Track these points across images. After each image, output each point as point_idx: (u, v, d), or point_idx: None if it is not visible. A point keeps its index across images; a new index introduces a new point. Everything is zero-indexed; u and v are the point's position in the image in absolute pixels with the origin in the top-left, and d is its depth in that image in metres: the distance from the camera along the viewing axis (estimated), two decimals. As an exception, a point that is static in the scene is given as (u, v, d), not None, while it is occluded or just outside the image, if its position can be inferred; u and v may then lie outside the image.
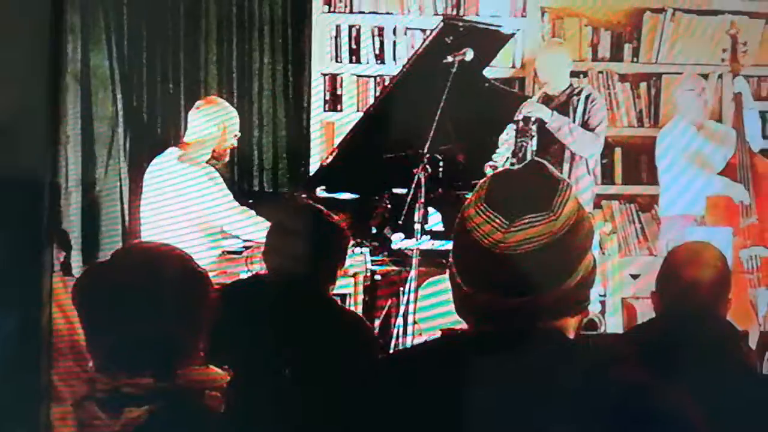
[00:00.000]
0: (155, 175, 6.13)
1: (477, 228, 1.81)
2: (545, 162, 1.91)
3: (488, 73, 6.98)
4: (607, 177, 7.73)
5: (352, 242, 4.63)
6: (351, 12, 7.69)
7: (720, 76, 7.39)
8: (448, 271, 1.92)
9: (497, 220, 1.80)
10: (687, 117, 6.90)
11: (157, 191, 6.05)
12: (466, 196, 1.87)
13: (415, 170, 5.85)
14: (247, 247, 5.89)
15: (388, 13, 7.68)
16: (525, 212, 1.79)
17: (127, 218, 7.19)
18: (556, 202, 1.81)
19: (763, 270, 6.41)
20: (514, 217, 1.79)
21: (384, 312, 6.27)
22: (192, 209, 5.89)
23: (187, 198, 5.94)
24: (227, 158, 6.30)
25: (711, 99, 7.03)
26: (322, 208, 4.02)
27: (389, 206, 6.12)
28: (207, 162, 6.03)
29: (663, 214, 7.07)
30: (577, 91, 6.70)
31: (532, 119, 6.43)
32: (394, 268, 6.23)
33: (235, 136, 6.33)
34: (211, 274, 2.60)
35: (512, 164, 5.97)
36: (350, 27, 7.71)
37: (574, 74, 7.12)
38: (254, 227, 5.76)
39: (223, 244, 6.02)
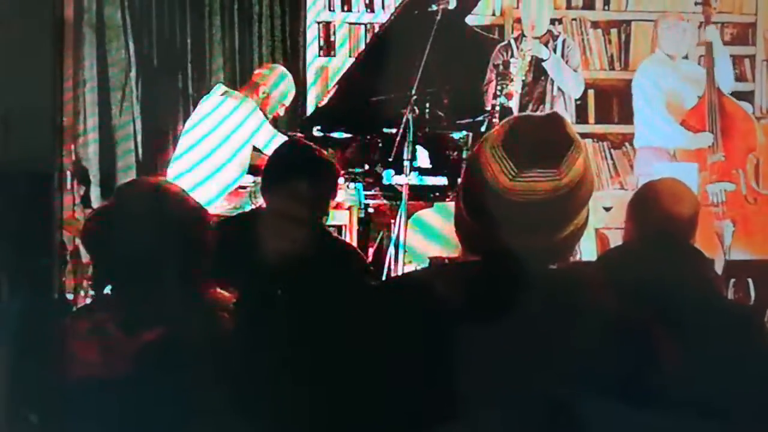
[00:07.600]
0: (198, 110, 6.12)
1: (488, 168, 1.79)
2: (565, 118, 1.86)
3: (470, 20, 6.96)
4: (581, 116, 7.74)
5: (342, 176, 4.60)
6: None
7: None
8: (455, 195, 1.91)
9: (507, 166, 1.77)
10: (665, 52, 6.89)
11: (196, 123, 6.04)
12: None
13: (403, 111, 5.85)
14: (254, 182, 5.87)
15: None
16: (535, 165, 1.77)
17: (140, 154, 7.22)
18: (565, 161, 1.78)
19: (727, 204, 6.46)
20: (523, 167, 1.77)
21: (377, 242, 6.30)
22: (225, 136, 5.89)
23: (223, 125, 5.93)
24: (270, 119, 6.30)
25: (689, 38, 6.94)
26: (312, 144, 3.96)
27: (380, 144, 6.13)
28: None
29: (638, 145, 7.02)
30: (555, 35, 6.69)
31: (527, 58, 6.40)
32: (386, 202, 6.25)
33: (282, 105, 6.31)
34: (225, 207, 2.62)
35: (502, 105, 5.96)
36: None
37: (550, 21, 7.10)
38: None
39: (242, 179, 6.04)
